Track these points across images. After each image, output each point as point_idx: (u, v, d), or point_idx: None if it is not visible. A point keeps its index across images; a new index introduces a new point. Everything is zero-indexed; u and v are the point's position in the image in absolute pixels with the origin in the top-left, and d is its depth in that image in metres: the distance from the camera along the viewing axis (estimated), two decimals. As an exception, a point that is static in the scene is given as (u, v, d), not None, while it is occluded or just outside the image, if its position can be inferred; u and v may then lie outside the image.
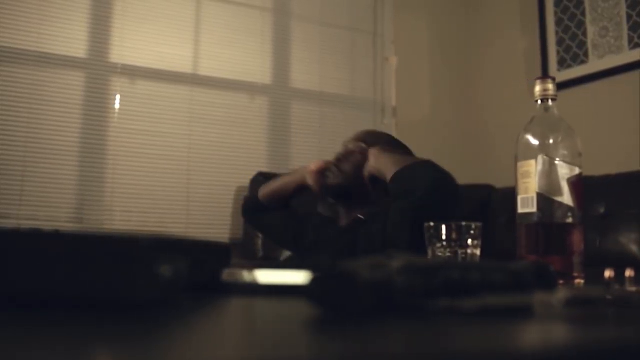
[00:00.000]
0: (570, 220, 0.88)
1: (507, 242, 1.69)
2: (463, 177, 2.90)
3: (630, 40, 2.60)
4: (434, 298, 0.45)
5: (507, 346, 0.36)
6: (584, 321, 0.45)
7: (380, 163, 1.44)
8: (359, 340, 0.35)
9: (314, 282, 0.43)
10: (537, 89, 0.93)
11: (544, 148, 0.90)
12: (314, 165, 1.59)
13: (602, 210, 2.21)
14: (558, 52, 2.87)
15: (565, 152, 0.90)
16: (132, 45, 2.59)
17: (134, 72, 2.58)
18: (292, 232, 1.65)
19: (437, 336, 0.37)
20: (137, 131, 2.56)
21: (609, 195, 2.21)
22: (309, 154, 2.90)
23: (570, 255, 0.88)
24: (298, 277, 0.56)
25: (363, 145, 1.55)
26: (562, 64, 2.84)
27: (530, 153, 0.91)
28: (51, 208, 2.37)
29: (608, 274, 0.67)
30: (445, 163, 3.28)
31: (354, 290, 0.41)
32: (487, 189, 2.77)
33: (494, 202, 2.65)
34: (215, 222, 2.60)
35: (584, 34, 2.77)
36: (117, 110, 2.55)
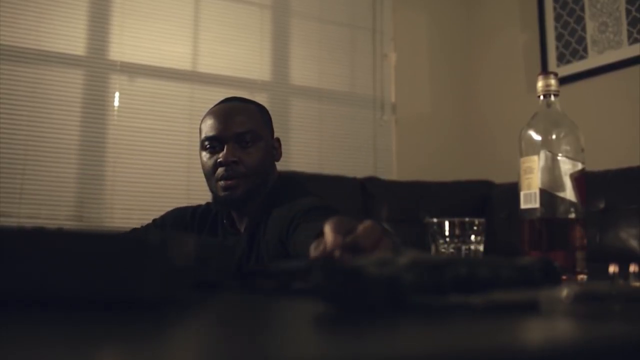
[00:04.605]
0: (573, 215, 0.88)
1: (507, 237, 1.70)
2: (463, 173, 2.91)
3: (630, 35, 2.60)
4: (441, 294, 0.45)
5: (516, 342, 0.36)
6: (591, 317, 0.45)
7: None
8: (367, 337, 0.35)
9: (322, 278, 0.42)
10: (540, 84, 0.93)
11: (546, 144, 0.90)
12: None
13: (602, 205, 2.22)
14: (557, 48, 2.87)
15: (568, 148, 0.90)
16: (131, 42, 2.59)
17: (133, 70, 2.58)
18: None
19: (445, 332, 0.37)
20: (136, 129, 2.55)
21: (609, 190, 2.22)
22: (308, 150, 2.90)
23: (573, 250, 0.88)
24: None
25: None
26: (562, 59, 2.84)
27: (533, 149, 0.91)
28: (51, 206, 2.37)
29: (612, 269, 0.67)
30: (445, 159, 3.31)
31: (363, 286, 0.41)
32: (487, 185, 2.77)
33: (494, 197, 2.65)
34: (216, 220, 2.60)
35: (583, 29, 2.77)
36: (116, 108, 2.54)
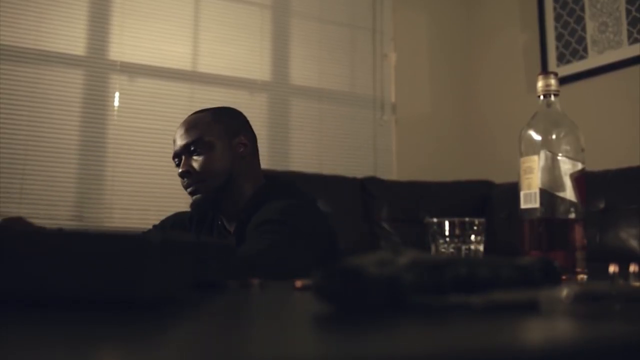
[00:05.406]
0: (573, 215, 0.89)
1: (507, 237, 1.69)
2: (463, 173, 2.92)
3: (630, 35, 2.60)
4: (441, 294, 0.45)
5: (516, 342, 0.36)
6: (591, 317, 0.45)
7: None
8: (367, 337, 0.35)
9: (322, 278, 0.42)
10: (540, 84, 0.93)
11: (546, 143, 0.90)
12: None
13: (602, 205, 2.22)
14: (557, 48, 2.87)
15: (568, 148, 0.90)
16: (131, 42, 2.59)
17: (133, 70, 2.58)
18: None
19: (445, 332, 0.37)
20: (136, 129, 2.55)
21: (609, 190, 2.22)
22: (308, 150, 2.90)
23: (573, 250, 0.88)
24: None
25: None
26: (562, 59, 2.84)
27: (533, 149, 0.91)
28: (51, 206, 2.37)
29: (612, 269, 0.67)
30: (445, 159, 3.31)
31: (362, 286, 0.41)
32: (487, 185, 2.77)
33: (494, 197, 2.65)
34: (216, 220, 2.60)
35: (583, 29, 2.77)
36: (116, 108, 2.54)
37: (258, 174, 1.40)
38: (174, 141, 1.36)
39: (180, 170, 1.33)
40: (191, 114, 1.39)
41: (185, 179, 1.32)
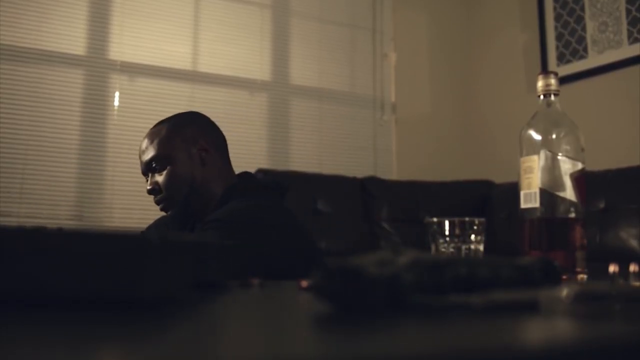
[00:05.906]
0: (573, 215, 0.89)
1: (507, 237, 1.70)
2: (463, 173, 2.92)
3: (630, 35, 2.60)
4: (441, 294, 0.45)
5: (516, 342, 0.36)
6: (591, 317, 0.45)
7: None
8: (367, 337, 0.35)
9: (321, 278, 0.42)
10: (540, 84, 0.93)
11: (546, 143, 0.90)
12: None
13: (602, 205, 2.22)
14: (557, 48, 2.87)
15: (568, 147, 0.90)
16: (131, 42, 2.59)
17: (133, 69, 2.58)
18: None
19: (445, 332, 0.37)
20: (136, 128, 2.55)
21: (609, 190, 2.22)
22: (308, 150, 2.90)
23: (573, 250, 0.88)
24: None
25: None
26: (562, 59, 2.84)
27: (533, 148, 0.91)
28: (51, 206, 2.37)
29: (612, 269, 0.67)
30: (445, 159, 3.31)
31: (362, 286, 0.41)
32: (487, 185, 2.77)
33: (494, 197, 2.65)
34: (216, 219, 2.60)
35: (583, 29, 2.77)
36: (116, 108, 2.54)
37: (228, 173, 1.40)
38: (139, 157, 1.37)
39: (147, 188, 1.36)
40: (152, 127, 1.40)
41: (152, 196, 1.36)
